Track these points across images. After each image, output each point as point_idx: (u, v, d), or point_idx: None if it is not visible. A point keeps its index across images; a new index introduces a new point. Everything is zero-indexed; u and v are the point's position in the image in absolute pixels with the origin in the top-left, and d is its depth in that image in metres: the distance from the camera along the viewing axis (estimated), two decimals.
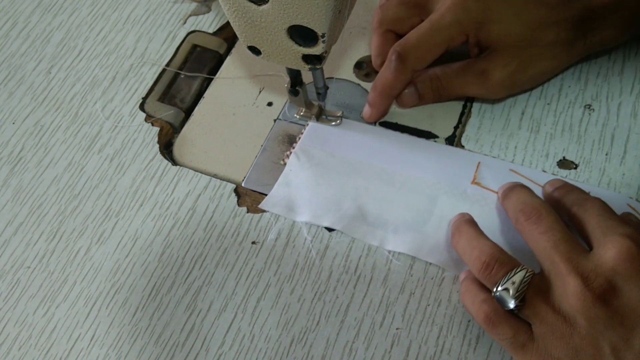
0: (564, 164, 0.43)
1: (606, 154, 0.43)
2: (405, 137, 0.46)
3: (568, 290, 0.31)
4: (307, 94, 0.45)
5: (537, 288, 0.33)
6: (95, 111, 0.50)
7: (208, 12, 0.55)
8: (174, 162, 0.47)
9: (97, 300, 0.41)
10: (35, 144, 0.49)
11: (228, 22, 0.54)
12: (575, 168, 0.42)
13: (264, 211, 0.44)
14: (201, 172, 0.46)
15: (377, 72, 0.48)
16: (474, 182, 0.42)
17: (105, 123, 0.49)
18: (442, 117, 0.46)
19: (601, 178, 0.42)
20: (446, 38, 0.41)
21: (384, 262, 0.41)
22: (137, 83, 0.52)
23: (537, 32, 0.42)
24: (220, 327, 0.40)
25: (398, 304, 0.39)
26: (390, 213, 0.42)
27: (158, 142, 0.48)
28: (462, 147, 0.44)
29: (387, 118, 0.47)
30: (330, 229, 0.42)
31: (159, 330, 0.40)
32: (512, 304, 0.33)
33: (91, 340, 0.40)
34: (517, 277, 0.33)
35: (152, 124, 0.49)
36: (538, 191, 0.40)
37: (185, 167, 0.47)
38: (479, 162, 0.43)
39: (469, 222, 0.38)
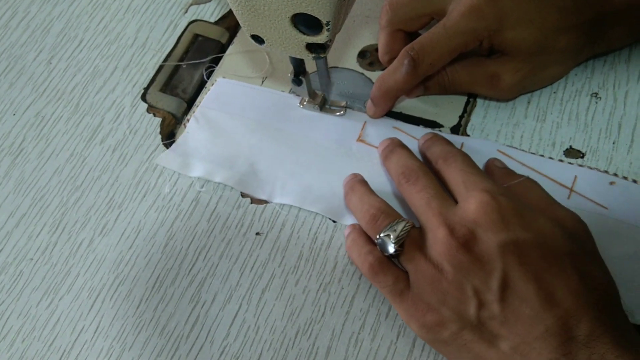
0: (571, 152, 0.42)
1: (613, 143, 0.42)
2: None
3: (437, 239, 0.34)
4: (311, 83, 0.45)
5: (414, 239, 0.36)
6: (97, 102, 0.50)
7: (209, 1, 0.54)
8: None
9: (100, 292, 0.41)
10: (37, 135, 0.49)
11: (229, 12, 0.54)
12: (582, 157, 0.42)
13: (267, 202, 0.43)
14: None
15: (381, 61, 0.48)
16: (359, 139, 0.45)
17: (106, 114, 0.49)
18: (447, 106, 0.46)
19: (608, 167, 0.41)
20: (460, 44, 0.41)
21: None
22: (138, 73, 0.51)
23: (550, 38, 0.41)
24: (225, 318, 0.39)
25: None
26: (280, 170, 0.44)
27: (160, 132, 0.48)
28: (468, 136, 0.44)
29: None
30: (333, 221, 0.42)
31: (164, 321, 0.40)
32: (391, 249, 0.36)
33: (95, 332, 0.40)
34: (399, 226, 0.36)
35: (154, 115, 0.49)
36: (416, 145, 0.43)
37: None
38: (365, 122, 0.45)
39: (360, 181, 0.41)
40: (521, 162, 0.42)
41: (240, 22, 0.39)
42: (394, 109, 0.46)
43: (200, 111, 0.48)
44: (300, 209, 0.43)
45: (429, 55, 0.41)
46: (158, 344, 0.39)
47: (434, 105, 0.46)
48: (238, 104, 0.48)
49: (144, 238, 0.43)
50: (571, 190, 0.41)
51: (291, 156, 0.45)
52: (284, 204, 0.43)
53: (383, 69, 0.48)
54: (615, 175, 0.41)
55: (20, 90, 0.51)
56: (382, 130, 0.45)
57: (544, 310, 0.31)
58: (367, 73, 0.48)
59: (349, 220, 0.42)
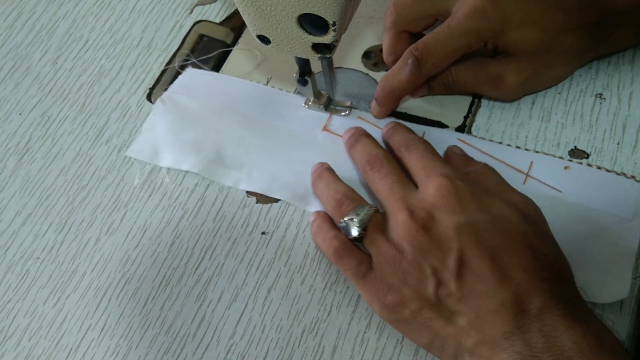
0: (576, 153, 0.43)
1: (618, 143, 0.43)
2: (269, 89, 0.48)
3: (398, 222, 0.36)
4: (316, 83, 0.45)
5: (377, 223, 0.37)
6: (103, 102, 0.50)
7: (214, 1, 0.55)
8: None
9: (107, 290, 0.41)
10: (43, 134, 0.49)
11: (234, 12, 0.54)
12: (587, 157, 0.42)
13: (273, 201, 0.43)
14: None
15: (385, 63, 0.48)
16: (325, 129, 0.46)
17: (112, 114, 0.49)
18: (452, 107, 0.46)
19: (613, 167, 0.42)
20: (464, 45, 0.41)
21: None
22: (143, 73, 0.51)
23: (554, 39, 0.42)
24: (231, 317, 0.39)
25: None
26: (246, 156, 0.45)
27: None
28: (471, 135, 0.44)
29: None
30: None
31: (170, 320, 0.40)
32: (355, 232, 0.37)
33: (102, 330, 0.40)
34: (362, 211, 0.38)
35: None
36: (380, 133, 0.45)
37: None
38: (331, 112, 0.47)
39: (327, 169, 0.42)
40: (480, 149, 0.43)
41: (246, 22, 0.39)
42: (398, 110, 0.46)
43: (167, 95, 0.49)
44: (305, 210, 0.43)
45: (433, 56, 0.42)
46: (164, 342, 0.39)
47: (438, 106, 0.46)
48: (206, 91, 0.49)
49: (150, 237, 0.43)
50: (527, 175, 0.42)
51: (257, 143, 0.46)
52: (289, 204, 0.43)
53: (387, 70, 0.48)
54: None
55: (26, 90, 0.52)
56: (347, 120, 0.46)
57: (498, 286, 0.32)
58: (372, 73, 0.49)
59: (314, 207, 0.43)
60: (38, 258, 0.43)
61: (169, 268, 0.42)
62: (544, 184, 0.41)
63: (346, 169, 0.44)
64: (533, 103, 0.45)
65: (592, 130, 0.43)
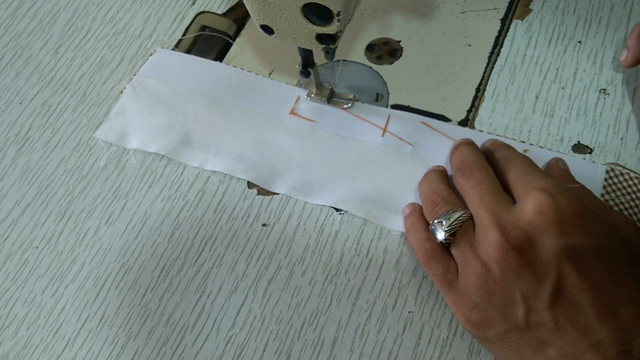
0: (579, 148, 0.42)
1: (621, 139, 0.42)
2: (238, 71, 0.49)
3: (487, 239, 0.33)
4: (319, 75, 0.45)
5: (467, 232, 0.35)
6: (104, 92, 0.50)
7: None
8: None
9: (106, 280, 0.41)
10: (43, 124, 0.49)
11: (237, 3, 0.54)
12: (590, 152, 0.42)
13: (274, 194, 0.43)
14: None
15: (389, 55, 0.48)
16: (292, 112, 0.46)
17: (113, 104, 0.49)
18: (455, 100, 0.46)
19: (617, 162, 0.41)
20: None
21: (396, 245, 0.40)
22: (145, 64, 0.51)
23: None
24: (231, 308, 0.39)
25: (410, 287, 0.39)
26: (214, 138, 0.46)
27: None
28: (475, 130, 0.44)
29: (398, 100, 0.46)
30: (338, 209, 0.42)
31: (169, 311, 0.40)
32: (440, 236, 0.35)
33: (100, 320, 0.40)
34: (454, 215, 0.35)
35: None
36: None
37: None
38: (299, 96, 0.47)
39: (437, 171, 0.41)
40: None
41: (250, 11, 0.38)
42: (401, 102, 0.46)
43: (137, 79, 0.49)
44: (306, 202, 0.43)
45: None
46: (163, 333, 0.39)
47: (441, 99, 0.46)
48: (175, 73, 0.49)
49: (150, 227, 0.43)
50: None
51: (225, 125, 0.46)
52: (290, 196, 0.43)
53: (391, 63, 0.48)
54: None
55: (26, 79, 0.51)
56: (315, 105, 0.46)
57: (598, 321, 0.30)
58: (375, 66, 0.48)
59: (278, 188, 0.43)
60: (37, 247, 0.43)
61: (169, 259, 0.41)
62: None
63: (310, 153, 0.44)
64: (537, 97, 0.45)
65: (595, 125, 0.43)
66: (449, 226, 0.35)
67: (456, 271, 0.35)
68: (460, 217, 0.35)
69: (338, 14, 0.36)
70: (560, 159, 0.40)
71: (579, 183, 0.39)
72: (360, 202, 0.42)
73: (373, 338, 0.37)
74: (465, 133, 0.43)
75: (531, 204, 0.32)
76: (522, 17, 0.49)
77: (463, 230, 0.35)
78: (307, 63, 0.43)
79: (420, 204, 0.40)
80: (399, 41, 0.49)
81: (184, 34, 0.52)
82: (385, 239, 0.41)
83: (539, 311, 0.31)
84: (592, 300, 0.30)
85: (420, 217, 0.39)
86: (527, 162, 0.37)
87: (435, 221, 0.36)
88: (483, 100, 0.45)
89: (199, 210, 0.43)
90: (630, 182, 0.40)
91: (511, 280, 0.32)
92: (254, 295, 0.40)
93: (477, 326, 0.33)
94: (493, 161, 0.39)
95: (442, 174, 0.40)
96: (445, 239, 0.35)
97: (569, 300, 0.30)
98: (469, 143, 0.40)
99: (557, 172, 0.39)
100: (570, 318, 0.30)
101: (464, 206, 0.36)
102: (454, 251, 0.35)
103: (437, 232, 0.35)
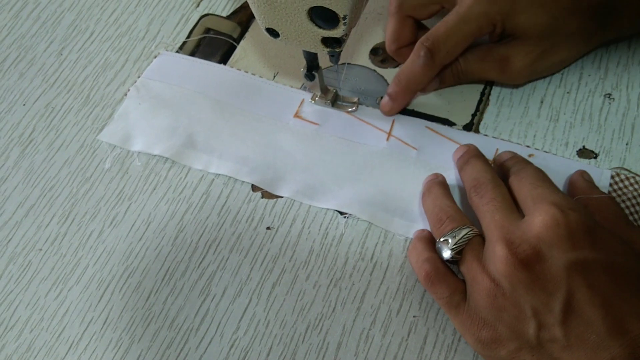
0: (584, 153, 0.42)
1: (626, 144, 0.42)
2: (242, 74, 0.49)
3: (495, 254, 0.32)
4: (324, 78, 0.45)
5: (476, 249, 0.34)
6: (108, 94, 0.50)
7: None
8: None
9: (110, 283, 0.41)
10: (47, 126, 0.49)
11: (241, 6, 0.54)
12: (595, 157, 0.42)
13: (278, 197, 0.43)
14: None
15: (393, 58, 0.48)
16: (296, 115, 0.46)
17: (117, 106, 0.49)
18: (459, 104, 0.46)
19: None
20: (474, 30, 0.41)
21: (401, 249, 0.40)
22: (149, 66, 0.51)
23: (560, 21, 0.41)
24: (235, 312, 0.39)
25: (415, 292, 0.39)
26: (218, 141, 0.45)
27: None
28: (479, 133, 0.44)
29: None
30: (342, 213, 0.42)
31: (173, 314, 0.39)
32: (447, 254, 0.35)
33: (104, 323, 0.40)
34: (461, 232, 0.35)
35: None
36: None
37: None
38: (303, 99, 0.47)
39: (439, 183, 0.40)
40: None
41: (255, 14, 0.38)
42: (408, 107, 0.46)
43: (141, 82, 0.49)
44: (310, 205, 0.42)
45: (445, 44, 0.41)
46: (167, 336, 0.39)
47: (446, 104, 0.46)
48: (179, 76, 0.49)
49: (154, 230, 0.43)
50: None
51: (229, 128, 0.46)
52: (294, 200, 0.43)
53: (396, 66, 0.48)
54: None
55: (30, 81, 0.51)
56: (320, 108, 0.46)
57: (610, 338, 0.29)
58: (379, 70, 0.48)
59: (283, 191, 0.43)
60: (40, 249, 0.43)
61: (173, 262, 0.41)
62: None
63: (315, 157, 0.44)
64: (542, 102, 0.45)
65: (600, 130, 0.43)
66: (455, 244, 0.35)
67: (464, 292, 0.35)
68: (466, 234, 0.35)
69: (344, 18, 0.36)
70: (584, 172, 0.40)
71: (604, 193, 0.38)
72: (364, 206, 0.42)
73: (378, 342, 0.37)
74: (470, 137, 0.43)
75: (540, 218, 0.32)
76: None
77: (471, 247, 0.35)
78: (312, 66, 0.43)
79: (426, 218, 0.40)
80: None
81: (188, 36, 0.52)
82: (390, 242, 0.41)
83: (550, 327, 0.31)
84: (603, 316, 0.30)
85: (421, 238, 0.38)
86: (540, 174, 0.36)
87: (442, 239, 0.36)
88: (488, 105, 0.45)
89: (203, 213, 0.43)
90: (636, 187, 0.40)
91: (521, 295, 0.31)
92: (258, 298, 0.39)
93: (488, 345, 0.33)
94: (505, 172, 0.39)
95: (445, 188, 0.40)
96: (451, 257, 0.35)
97: (579, 315, 0.30)
98: (479, 156, 0.40)
99: (581, 183, 0.39)
100: (582, 334, 0.30)
101: (471, 223, 0.36)
102: (462, 268, 0.35)
103: (444, 251, 0.35)
